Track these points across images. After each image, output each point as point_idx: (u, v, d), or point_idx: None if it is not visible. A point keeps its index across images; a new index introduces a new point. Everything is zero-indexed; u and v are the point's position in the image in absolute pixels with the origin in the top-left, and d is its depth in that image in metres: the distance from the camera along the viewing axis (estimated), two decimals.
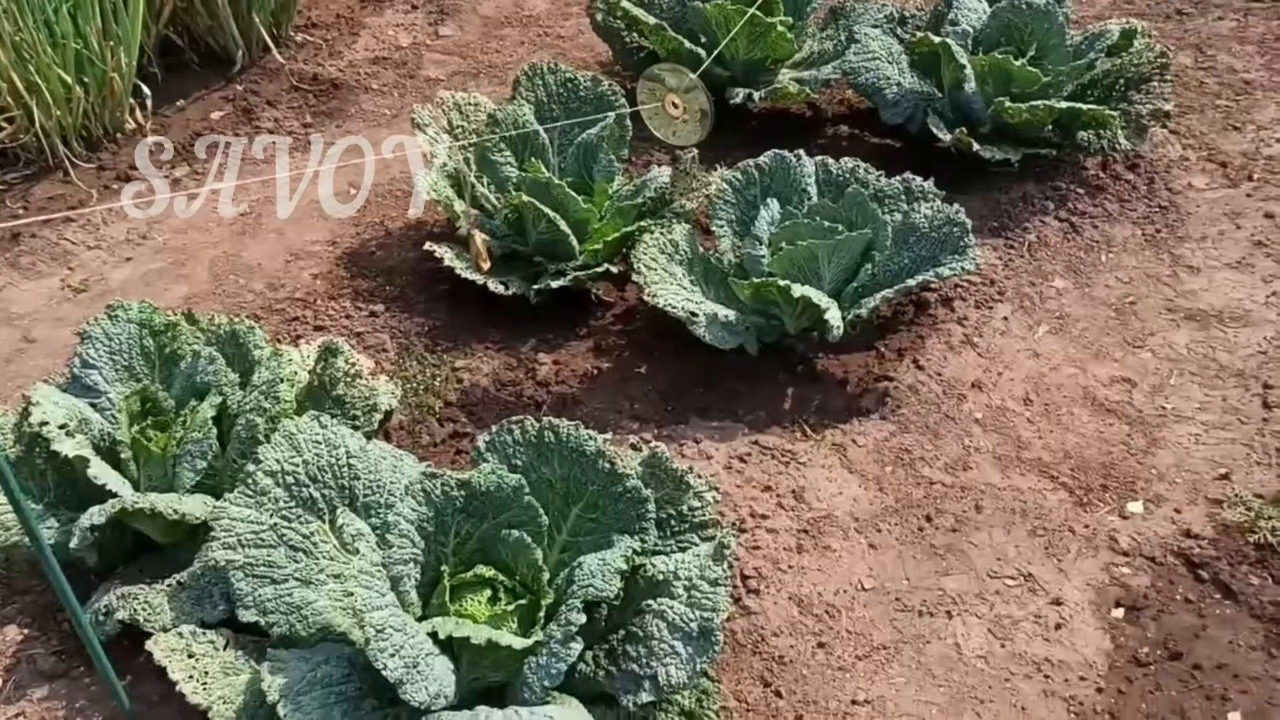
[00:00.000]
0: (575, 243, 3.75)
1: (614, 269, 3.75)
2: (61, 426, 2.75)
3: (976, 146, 3.99)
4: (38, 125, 4.53)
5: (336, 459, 2.58)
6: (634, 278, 3.54)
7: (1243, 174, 4.23)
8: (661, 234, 3.52)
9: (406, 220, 4.37)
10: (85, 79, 4.64)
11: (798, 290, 3.16)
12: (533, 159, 3.90)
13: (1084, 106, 3.94)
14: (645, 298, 3.45)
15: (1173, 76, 4.17)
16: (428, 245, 3.76)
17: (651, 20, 4.50)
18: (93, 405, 2.98)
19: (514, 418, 2.54)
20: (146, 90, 4.92)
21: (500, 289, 3.69)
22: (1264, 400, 3.33)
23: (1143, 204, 4.13)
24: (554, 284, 3.66)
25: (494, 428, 2.54)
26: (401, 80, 5.33)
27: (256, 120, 5.00)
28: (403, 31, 5.72)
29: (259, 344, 3.10)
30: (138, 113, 4.92)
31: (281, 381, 2.87)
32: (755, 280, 3.27)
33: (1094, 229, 4.02)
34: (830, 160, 3.63)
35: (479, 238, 3.34)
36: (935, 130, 4.07)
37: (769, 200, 3.47)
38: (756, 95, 4.44)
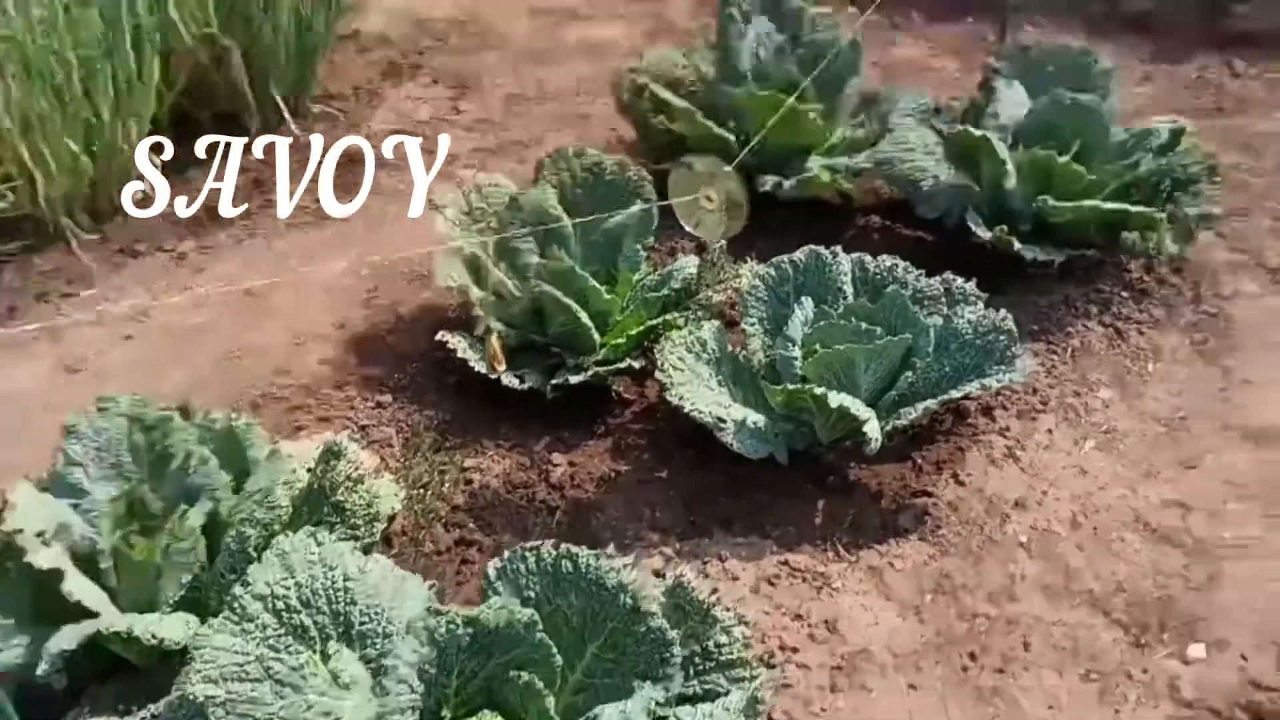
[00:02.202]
0: (596, 336, 3.56)
1: (635, 364, 3.56)
2: (39, 534, 2.54)
3: (1018, 246, 3.81)
4: (41, 196, 4.38)
5: (332, 582, 2.37)
6: (658, 375, 3.34)
7: None
8: (690, 332, 3.33)
9: (420, 302, 4.19)
10: (94, 148, 4.50)
11: (835, 399, 2.96)
12: (555, 246, 3.73)
13: (1131, 208, 3.76)
14: (670, 399, 3.25)
15: (1220, 178, 4.00)
16: (440, 335, 3.57)
17: (680, 104, 4.36)
18: (75, 506, 2.77)
19: (528, 544, 2.32)
20: (158, 161, 4.78)
21: (514, 383, 3.50)
22: None
23: (1190, 310, 3.94)
24: (573, 379, 3.47)
25: (506, 554, 2.33)
26: (421, 156, 5.18)
27: (268, 193, 4.85)
28: (423, 105, 5.60)
29: (257, 443, 2.90)
30: (146, 184, 4.78)
31: (278, 488, 2.67)
32: (789, 387, 3.07)
33: (1140, 336, 3.82)
34: (867, 258, 3.45)
35: (495, 338, 3.15)
36: (974, 227, 3.89)
37: (803, 299, 3.28)
38: (786, 183, 4.28)
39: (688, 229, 3.61)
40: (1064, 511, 3.21)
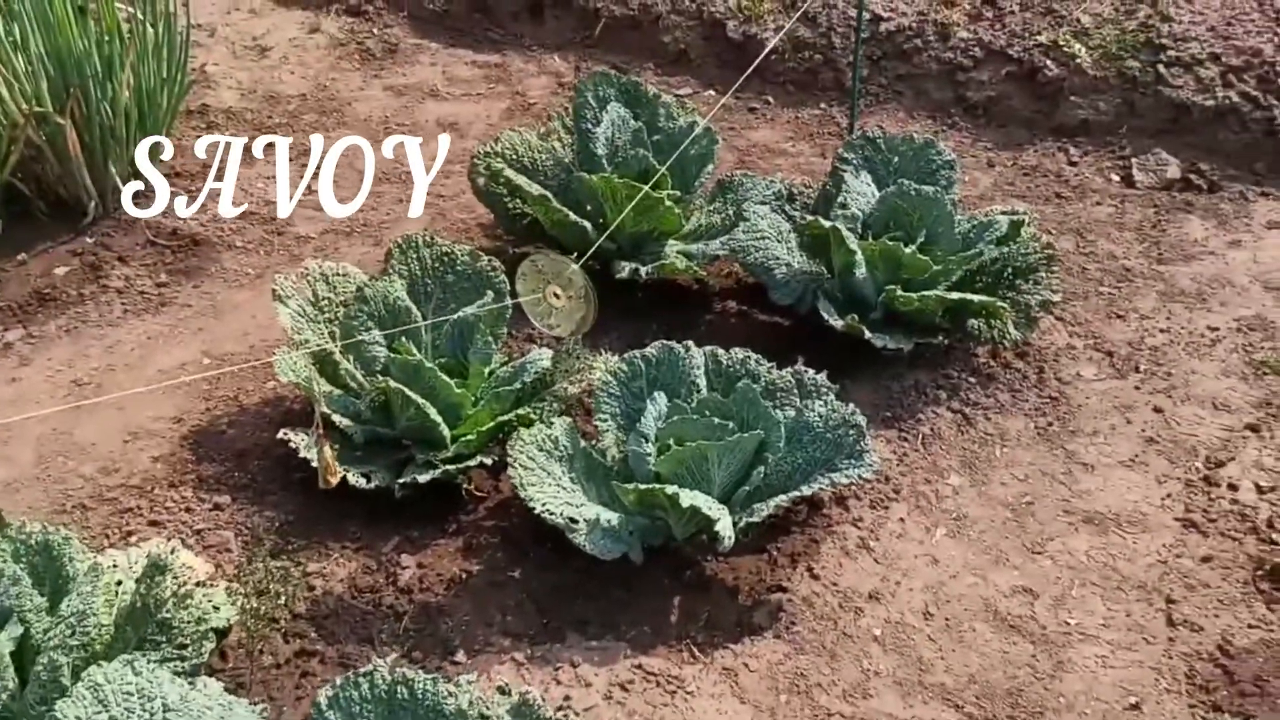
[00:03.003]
0: (446, 431, 3.47)
1: (487, 461, 3.47)
2: None
3: (869, 334, 3.86)
4: None
5: (150, 714, 2.21)
6: (509, 473, 3.25)
7: (1129, 365, 4.18)
8: (540, 429, 3.26)
9: (264, 395, 4.03)
10: None
11: (686, 499, 2.92)
12: (404, 339, 3.63)
13: (975, 298, 3.86)
14: (521, 498, 3.17)
15: (1058, 265, 4.14)
16: (282, 433, 3.43)
17: (536, 190, 4.33)
18: None
19: (361, 670, 2.20)
20: None
21: (361, 482, 3.37)
22: (1168, 617, 3.19)
23: (1034, 394, 4.04)
24: (421, 478, 3.36)
25: (339, 680, 2.21)
26: (269, 238, 5.03)
27: (105, 278, 4.64)
28: (273, 184, 5.45)
29: (75, 557, 2.72)
30: None
31: (92, 615, 2.49)
32: (641, 486, 3.02)
33: (987, 421, 3.90)
34: (720, 351, 3.44)
35: (328, 450, 3.03)
36: (826, 315, 3.93)
37: (656, 394, 3.26)
38: (644, 270, 4.27)
39: (537, 325, 3.56)
40: (916, 602, 3.23)
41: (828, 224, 3.97)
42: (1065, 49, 5.56)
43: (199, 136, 5.69)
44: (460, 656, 3.03)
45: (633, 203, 4.38)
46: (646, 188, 4.31)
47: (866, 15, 6.04)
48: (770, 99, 6.08)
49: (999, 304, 3.89)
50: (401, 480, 3.37)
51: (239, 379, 4.11)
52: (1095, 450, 3.80)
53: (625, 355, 3.37)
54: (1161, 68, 5.41)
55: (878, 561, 3.34)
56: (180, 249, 4.87)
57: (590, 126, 4.64)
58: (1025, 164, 5.42)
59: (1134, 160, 5.29)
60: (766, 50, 5.39)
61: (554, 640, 3.07)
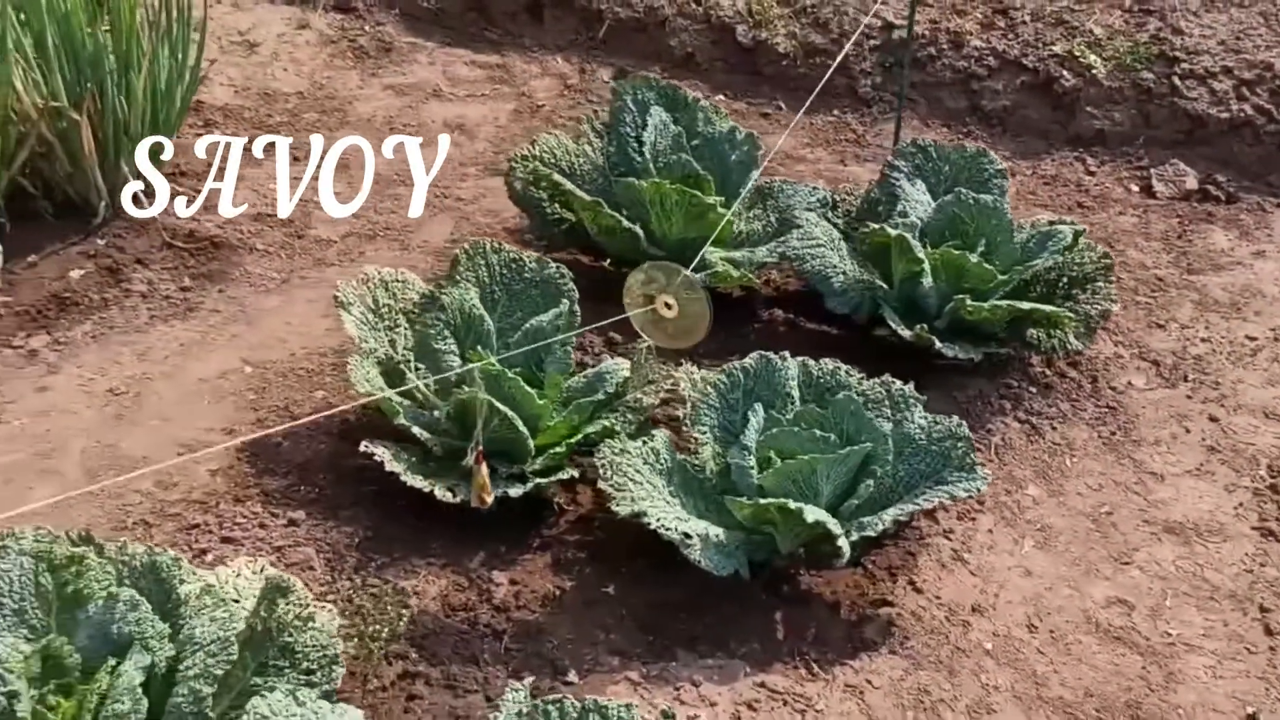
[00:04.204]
0: (531, 443, 3.36)
1: (574, 473, 3.38)
2: None
3: (939, 345, 3.85)
4: None
5: None
6: (604, 487, 3.16)
7: (1177, 374, 4.23)
8: (644, 442, 3.18)
9: (315, 405, 3.88)
10: None
11: (810, 514, 2.86)
12: (478, 348, 3.51)
13: (1045, 307, 3.87)
14: (622, 512, 3.08)
15: (1114, 275, 4.17)
16: (364, 446, 3.29)
17: (587, 197, 4.23)
18: None
19: (549, 698, 2.11)
20: None
21: (448, 497, 3.25)
22: (1265, 626, 3.22)
23: (1091, 404, 4.06)
24: (513, 492, 3.24)
25: (522, 702, 2.11)
26: (289, 240, 4.85)
27: (126, 282, 4.43)
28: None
29: (185, 579, 2.57)
30: None
31: (232, 642, 2.35)
32: (761, 501, 2.96)
33: (1053, 430, 3.91)
34: (810, 361, 3.40)
35: (484, 469, 2.90)
36: (893, 325, 3.91)
37: (755, 406, 3.19)
38: (701, 278, 4.19)
39: (647, 338, 3.48)
40: (1019, 615, 3.22)
41: (894, 232, 3.95)
42: (1081, 59, 5.63)
43: (199, 135, 5.48)
44: (572, 676, 2.94)
45: (683, 209, 4.33)
46: (698, 194, 4.26)
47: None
48: (781, 104, 6.06)
49: (1065, 314, 3.90)
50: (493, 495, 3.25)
51: (287, 389, 3.95)
52: (1161, 460, 3.84)
53: (724, 366, 3.30)
54: (1176, 80, 5.51)
55: (973, 574, 3.33)
56: (199, 252, 4.68)
57: (629, 130, 4.57)
58: (1044, 173, 5.48)
59: (1152, 171, 5.38)
60: (833, 68, 5.31)
61: (665, 659, 2.99)
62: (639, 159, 4.50)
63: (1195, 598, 3.31)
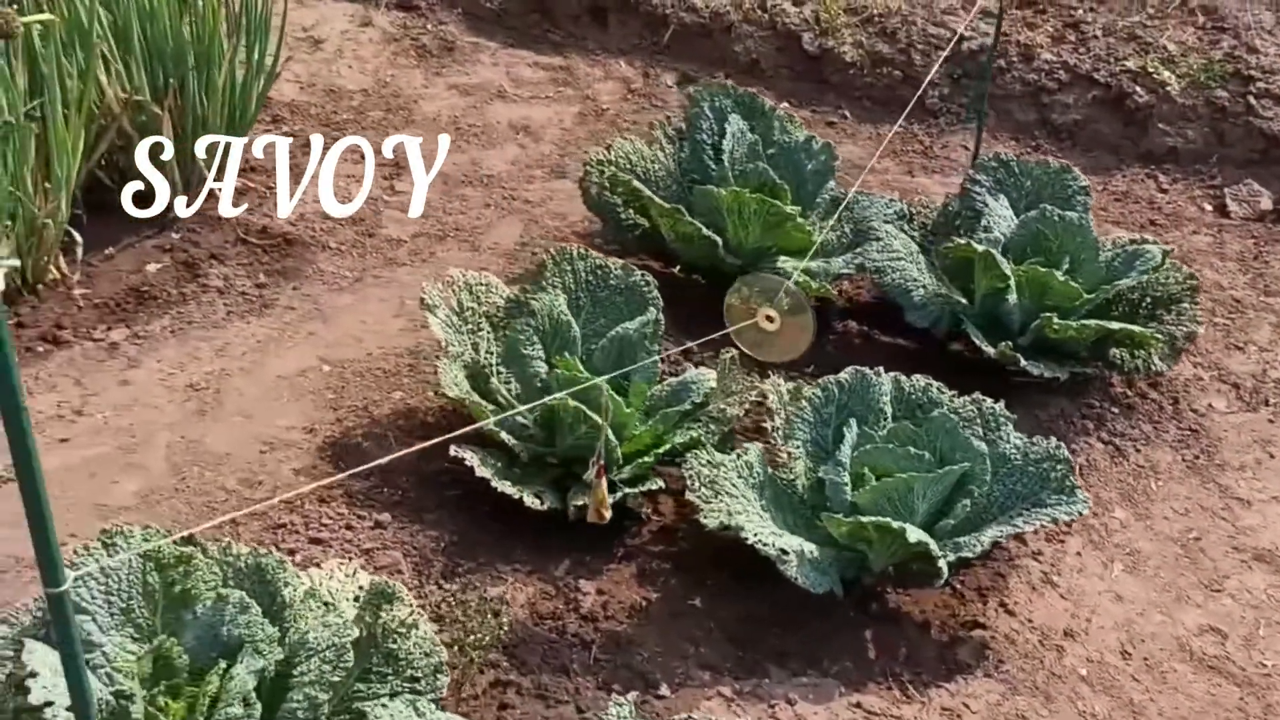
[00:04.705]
0: (619, 452, 3.35)
1: (661, 484, 3.36)
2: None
3: (1024, 362, 3.81)
4: None
5: None
6: (694, 498, 3.15)
7: (1258, 398, 4.18)
8: (739, 455, 3.16)
9: (394, 406, 3.88)
10: (11, 222, 4.01)
11: (914, 535, 2.84)
12: (565, 354, 3.50)
13: (1135, 328, 3.83)
14: (711, 525, 3.05)
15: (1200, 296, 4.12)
16: (454, 450, 3.27)
17: (666, 204, 4.21)
18: (87, 663, 2.37)
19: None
20: (77, 237, 4.30)
21: (536, 503, 3.24)
22: None
23: (1173, 426, 4.02)
24: None
25: None
26: (360, 239, 4.85)
27: (203, 277, 4.43)
28: (353, 184, 5.27)
29: (291, 582, 2.56)
30: (63, 262, 4.30)
31: (348, 648, 2.34)
32: (862, 519, 2.93)
33: (1137, 453, 3.87)
34: (902, 377, 3.37)
35: (604, 483, 2.89)
36: (976, 341, 3.88)
37: (850, 421, 3.17)
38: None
39: (751, 354, 3.45)
40: (1111, 641, 3.18)
41: (980, 248, 3.91)
42: (1155, 76, 5.57)
43: (265, 131, 5.49)
44: (664, 690, 2.92)
45: (761, 218, 4.30)
46: (777, 203, 4.23)
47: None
48: (847, 113, 6.03)
49: (1153, 335, 3.86)
50: (579, 503, 3.24)
51: (365, 388, 3.95)
52: (1247, 485, 3.79)
53: (819, 380, 3.28)
54: (1251, 99, 5.45)
55: (1064, 597, 3.29)
56: (273, 249, 4.68)
57: (705, 137, 4.55)
58: (1115, 190, 5.43)
59: (1226, 190, 5.32)
60: (923, 87, 5.27)
61: (757, 675, 2.97)
62: (714, 166, 4.48)
63: None
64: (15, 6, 4.05)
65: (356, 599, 2.79)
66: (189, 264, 4.49)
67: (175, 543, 2.58)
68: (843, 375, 3.27)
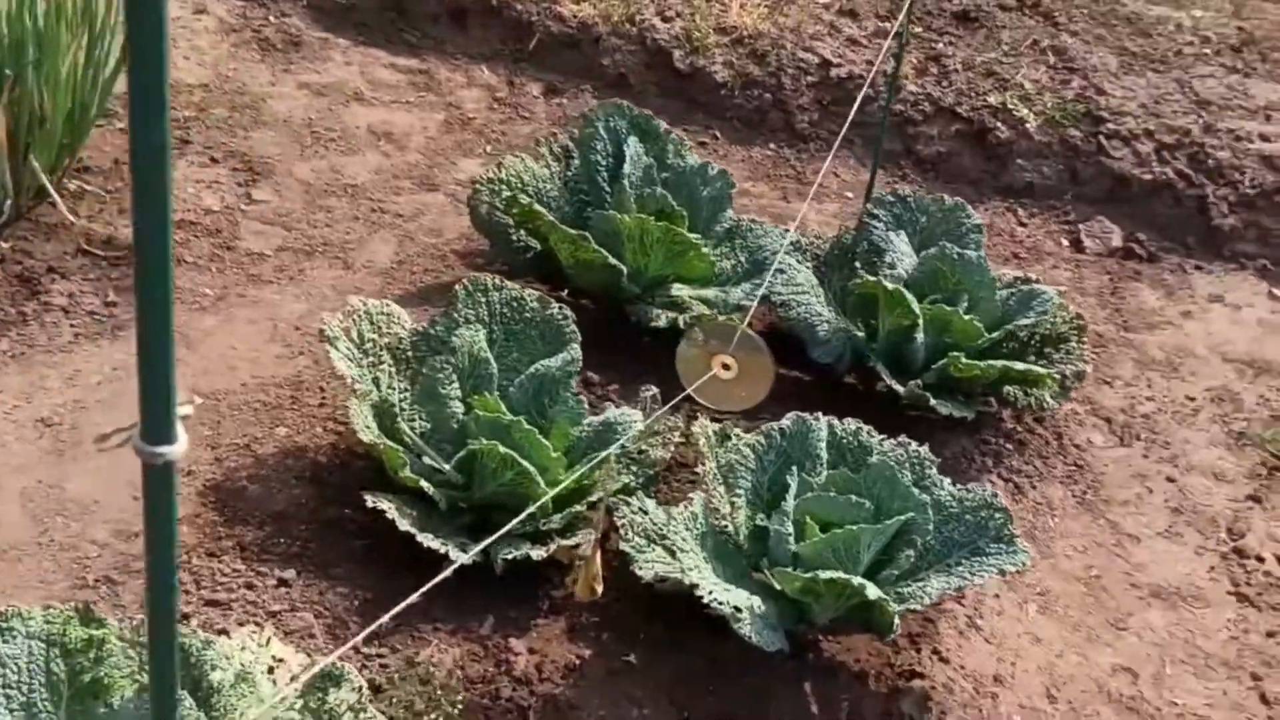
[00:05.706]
0: (549, 500, 3.16)
1: (596, 534, 3.19)
2: None
3: (934, 401, 3.83)
4: None
5: None
6: (624, 546, 2.99)
7: (1130, 433, 4.35)
8: (685, 506, 3.03)
9: (279, 444, 3.56)
10: None
11: (873, 593, 2.77)
12: (484, 393, 3.29)
13: (1037, 368, 3.91)
14: (646, 576, 2.92)
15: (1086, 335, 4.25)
16: (370, 500, 3.01)
17: (570, 230, 4.04)
18: None
19: None
20: None
21: (461, 556, 3.00)
22: (1260, 695, 3.32)
23: (1060, 462, 4.13)
24: (534, 553, 3.03)
25: None
26: (218, 252, 4.47)
27: (44, 294, 3.97)
28: (206, 191, 4.85)
29: (219, 664, 2.28)
30: None
31: None
32: (821, 575, 2.83)
33: (1033, 489, 3.96)
34: (835, 422, 3.31)
35: (599, 557, 2.67)
36: (887, 380, 3.88)
37: (792, 469, 3.09)
38: (682, 319, 4.06)
39: (710, 406, 3.30)
40: (1036, 685, 3.22)
41: (890, 286, 3.91)
42: (1014, 112, 5.76)
43: (98, 127, 4.99)
44: None
45: (664, 245, 4.19)
46: (681, 231, 4.13)
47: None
48: (718, 134, 5.98)
49: (1050, 374, 3.95)
50: (507, 556, 3.03)
51: (244, 423, 3.62)
52: (1133, 521, 3.93)
53: (761, 428, 3.18)
54: (1102, 139, 5.70)
55: (989, 641, 3.31)
56: (119, 260, 4.24)
57: (599, 159, 4.40)
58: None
59: (1081, 226, 5.54)
60: (847, 120, 5.20)
61: None
62: (608, 189, 4.34)
63: (1192, 665, 3.39)
64: None
65: (271, 670, 2.52)
66: (25, 278, 4.02)
67: (84, 622, 2.25)
68: (785, 422, 3.18)
